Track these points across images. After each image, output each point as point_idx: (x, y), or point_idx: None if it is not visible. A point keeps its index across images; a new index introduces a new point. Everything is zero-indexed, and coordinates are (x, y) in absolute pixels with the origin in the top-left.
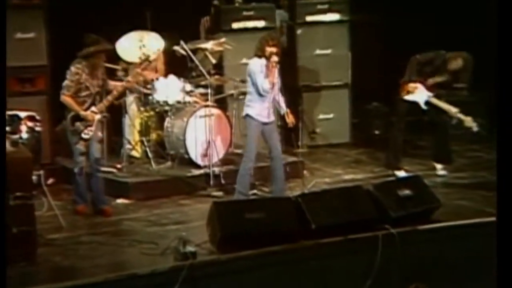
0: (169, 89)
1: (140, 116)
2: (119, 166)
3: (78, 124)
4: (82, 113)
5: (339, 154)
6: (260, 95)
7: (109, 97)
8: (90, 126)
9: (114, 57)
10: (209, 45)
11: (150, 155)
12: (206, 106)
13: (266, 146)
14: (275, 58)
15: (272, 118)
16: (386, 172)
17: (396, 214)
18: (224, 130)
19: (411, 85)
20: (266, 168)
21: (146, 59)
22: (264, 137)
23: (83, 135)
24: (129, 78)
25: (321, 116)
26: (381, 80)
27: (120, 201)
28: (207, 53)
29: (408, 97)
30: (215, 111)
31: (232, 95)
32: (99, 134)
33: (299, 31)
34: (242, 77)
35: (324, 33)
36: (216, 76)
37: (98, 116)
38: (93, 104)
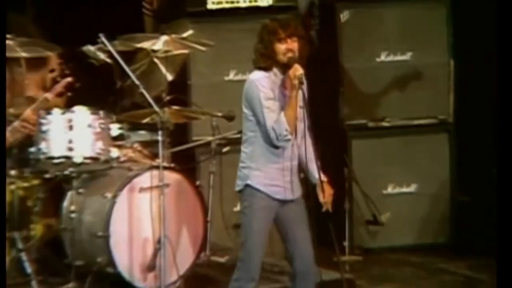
0: (74, 133)
1: (8, 188)
2: None
3: None
4: None
5: (429, 267)
6: (271, 145)
7: None
8: None
9: None
10: (159, 43)
11: (28, 269)
12: (154, 168)
13: (270, 249)
14: (299, 70)
15: (297, 192)
16: None
17: None
18: (192, 216)
19: None
20: None
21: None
22: (280, 231)
23: None
24: (27, 113)
25: (391, 190)
26: None
27: None
28: (156, 60)
29: None
30: (173, 177)
31: (207, 145)
32: None
33: (344, 15)
34: (228, 108)
35: (398, 19)
36: (175, 107)
37: None
38: None
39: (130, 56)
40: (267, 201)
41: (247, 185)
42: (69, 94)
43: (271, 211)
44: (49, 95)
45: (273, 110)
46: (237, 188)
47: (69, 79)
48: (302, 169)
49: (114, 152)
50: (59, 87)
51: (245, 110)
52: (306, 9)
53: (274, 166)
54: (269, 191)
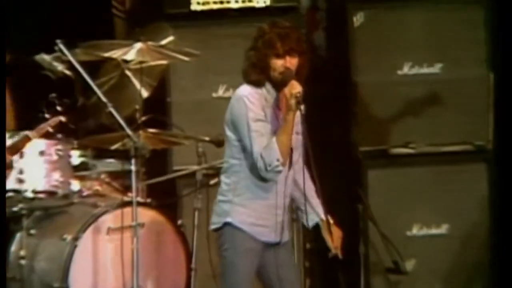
0: (25, 162)
1: None
2: None
3: None
4: None
5: None
6: (259, 177)
7: None
8: None
9: None
10: (132, 52)
11: None
12: (125, 204)
13: None
14: (296, 88)
15: (286, 235)
16: None
17: None
18: (172, 262)
19: None
20: None
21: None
22: (264, 281)
23: None
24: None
25: (417, 231)
26: None
27: None
28: (128, 73)
29: None
30: (149, 215)
31: (192, 175)
32: None
33: (358, 18)
34: (217, 131)
35: (424, 22)
36: (151, 130)
37: None
38: None
39: (96, 67)
40: (251, 242)
41: (227, 223)
42: (59, 136)
43: (257, 255)
44: (31, 134)
45: (263, 134)
46: (214, 226)
47: (61, 117)
48: (297, 207)
49: (75, 185)
50: (46, 126)
51: (228, 132)
52: (310, 3)
53: (261, 202)
54: (254, 231)
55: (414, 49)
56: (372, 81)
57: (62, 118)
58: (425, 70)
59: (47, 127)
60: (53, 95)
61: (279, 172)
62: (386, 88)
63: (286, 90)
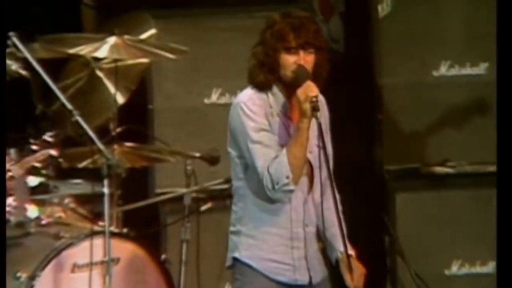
0: None
1: None
2: None
3: None
4: None
5: None
6: (266, 198)
7: None
8: None
9: None
10: (105, 48)
11: None
12: (96, 234)
13: None
14: (313, 91)
15: (318, 274)
16: None
17: None
18: None
19: None
20: None
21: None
22: None
23: None
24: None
25: (457, 269)
26: None
27: None
28: (100, 74)
29: None
30: (125, 249)
31: (179, 200)
32: None
33: (385, 7)
34: (210, 144)
35: (466, 13)
36: (128, 144)
37: None
38: None
39: (59, 66)
40: (263, 282)
41: (235, 259)
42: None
43: None
44: (14, 170)
45: (268, 145)
46: (227, 264)
47: (51, 151)
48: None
49: (33, 211)
50: (32, 160)
51: (229, 149)
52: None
53: (271, 230)
54: (266, 268)
55: (453, 45)
56: (401, 84)
57: (53, 152)
58: (467, 70)
59: (34, 161)
60: (45, 123)
61: (289, 192)
62: (418, 93)
63: (300, 92)
